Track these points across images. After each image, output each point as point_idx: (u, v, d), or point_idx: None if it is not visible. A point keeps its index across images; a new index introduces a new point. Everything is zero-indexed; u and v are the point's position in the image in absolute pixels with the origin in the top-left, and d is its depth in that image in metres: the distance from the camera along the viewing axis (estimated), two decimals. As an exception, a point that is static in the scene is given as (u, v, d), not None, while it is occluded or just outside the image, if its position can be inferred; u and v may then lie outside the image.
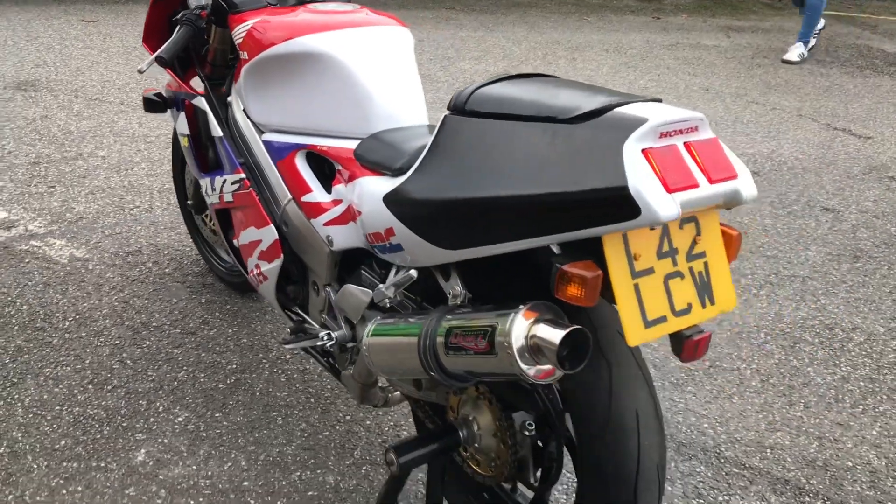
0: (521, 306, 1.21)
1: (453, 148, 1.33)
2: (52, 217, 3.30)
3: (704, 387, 2.46)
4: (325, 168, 1.83)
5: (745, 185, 1.19)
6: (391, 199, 1.44)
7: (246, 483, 1.96)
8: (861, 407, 2.40)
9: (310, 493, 1.94)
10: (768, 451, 2.19)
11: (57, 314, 2.61)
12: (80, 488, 1.91)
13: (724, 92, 6.10)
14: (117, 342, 2.48)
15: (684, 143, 1.15)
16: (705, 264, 1.27)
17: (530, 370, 1.19)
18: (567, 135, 1.17)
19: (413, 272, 1.51)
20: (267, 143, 1.92)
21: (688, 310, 1.24)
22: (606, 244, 1.16)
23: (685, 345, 1.26)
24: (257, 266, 2.00)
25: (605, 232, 1.12)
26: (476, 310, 1.32)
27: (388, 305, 1.59)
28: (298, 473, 2.00)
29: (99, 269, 2.92)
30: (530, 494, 1.61)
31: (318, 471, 2.02)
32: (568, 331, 1.15)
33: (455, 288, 1.43)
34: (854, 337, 2.79)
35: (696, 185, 1.13)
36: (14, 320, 2.57)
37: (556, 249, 1.25)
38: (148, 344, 2.49)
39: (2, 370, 2.32)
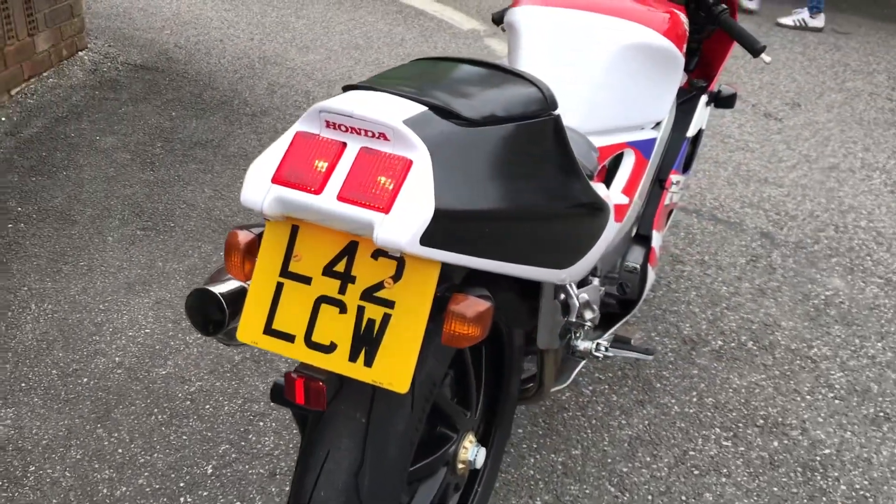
0: None
1: None
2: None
3: None
4: None
5: (392, 227, 0.93)
6: None
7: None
8: None
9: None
10: None
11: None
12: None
13: None
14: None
15: (361, 147, 0.98)
16: (386, 316, 1.02)
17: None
18: None
19: None
20: None
21: (328, 348, 1.04)
22: (267, 227, 1.06)
23: (286, 377, 1.06)
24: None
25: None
26: None
27: None
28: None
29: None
30: None
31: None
32: (192, 290, 1.13)
33: None
34: None
35: (312, 191, 0.97)
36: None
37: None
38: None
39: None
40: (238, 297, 1.13)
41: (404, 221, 0.94)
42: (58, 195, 2.99)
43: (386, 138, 0.97)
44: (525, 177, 1.11)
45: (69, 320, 2.35)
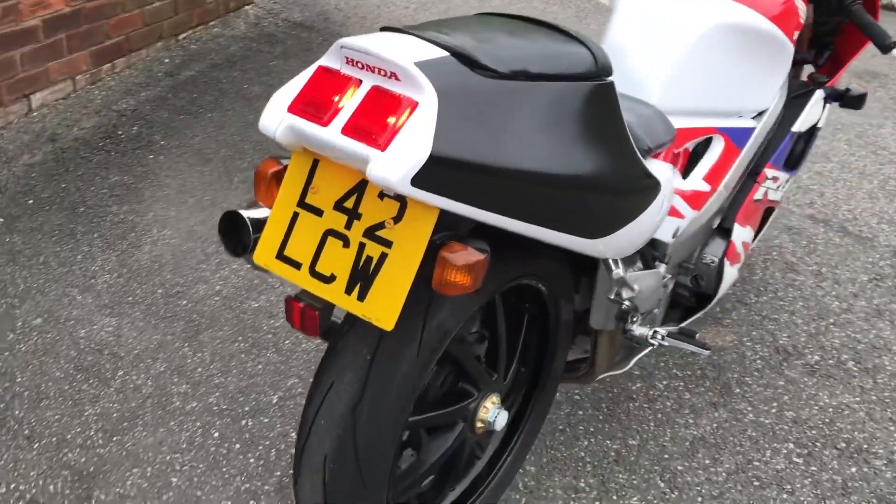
0: None
1: None
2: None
3: None
4: None
5: (385, 164, 0.95)
6: None
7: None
8: None
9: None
10: None
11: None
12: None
13: None
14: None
15: (374, 85, 1.01)
16: (383, 255, 1.05)
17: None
18: None
19: None
20: None
21: (328, 279, 1.08)
22: (292, 158, 1.12)
23: (288, 303, 1.17)
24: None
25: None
26: None
27: None
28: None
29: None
30: None
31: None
32: (224, 212, 1.20)
33: None
34: None
35: (320, 122, 1.01)
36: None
37: None
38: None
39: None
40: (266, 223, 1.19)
41: (397, 160, 0.95)
42: (199, 134, 3.21)
43: (397, 78, 0.98)
44: (552, 138, 1.10)
45: (183, 247, 2.53)
